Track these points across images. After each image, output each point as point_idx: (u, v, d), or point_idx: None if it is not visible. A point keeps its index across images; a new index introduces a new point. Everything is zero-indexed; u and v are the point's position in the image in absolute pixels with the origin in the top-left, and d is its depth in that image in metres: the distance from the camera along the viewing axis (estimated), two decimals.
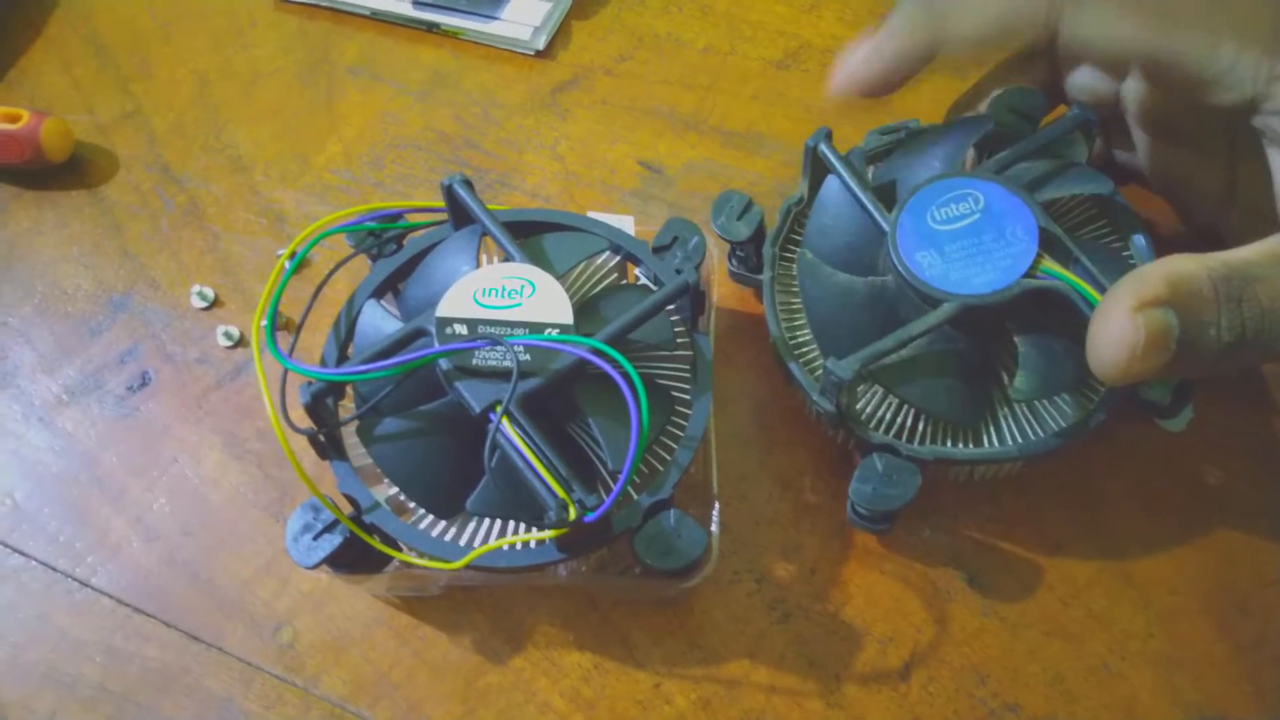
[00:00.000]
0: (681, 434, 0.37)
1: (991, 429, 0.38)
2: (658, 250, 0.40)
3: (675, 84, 0.52)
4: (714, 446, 0.39)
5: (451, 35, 0.55)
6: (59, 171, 0.51)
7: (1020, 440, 0.37)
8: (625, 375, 0.33)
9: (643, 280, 0.41)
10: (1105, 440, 0.41)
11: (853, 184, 0.39)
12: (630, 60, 0.53)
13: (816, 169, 0.40)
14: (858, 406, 0.38)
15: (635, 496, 0.36)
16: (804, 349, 0.40)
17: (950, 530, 0.40)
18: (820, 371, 0.37)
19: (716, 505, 0.38)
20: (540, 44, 0.54)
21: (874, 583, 0.40)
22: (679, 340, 0.39)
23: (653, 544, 0.35)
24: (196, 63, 0.55)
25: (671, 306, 0.38)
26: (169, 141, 0.52)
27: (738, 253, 0.43)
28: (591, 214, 0.41)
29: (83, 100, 0.54)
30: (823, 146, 0.39)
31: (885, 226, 0.37)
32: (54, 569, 0.41)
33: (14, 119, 0.49)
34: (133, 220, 0.50)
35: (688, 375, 0.39)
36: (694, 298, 0.38)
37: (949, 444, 0.38)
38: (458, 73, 0.54)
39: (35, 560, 0.41)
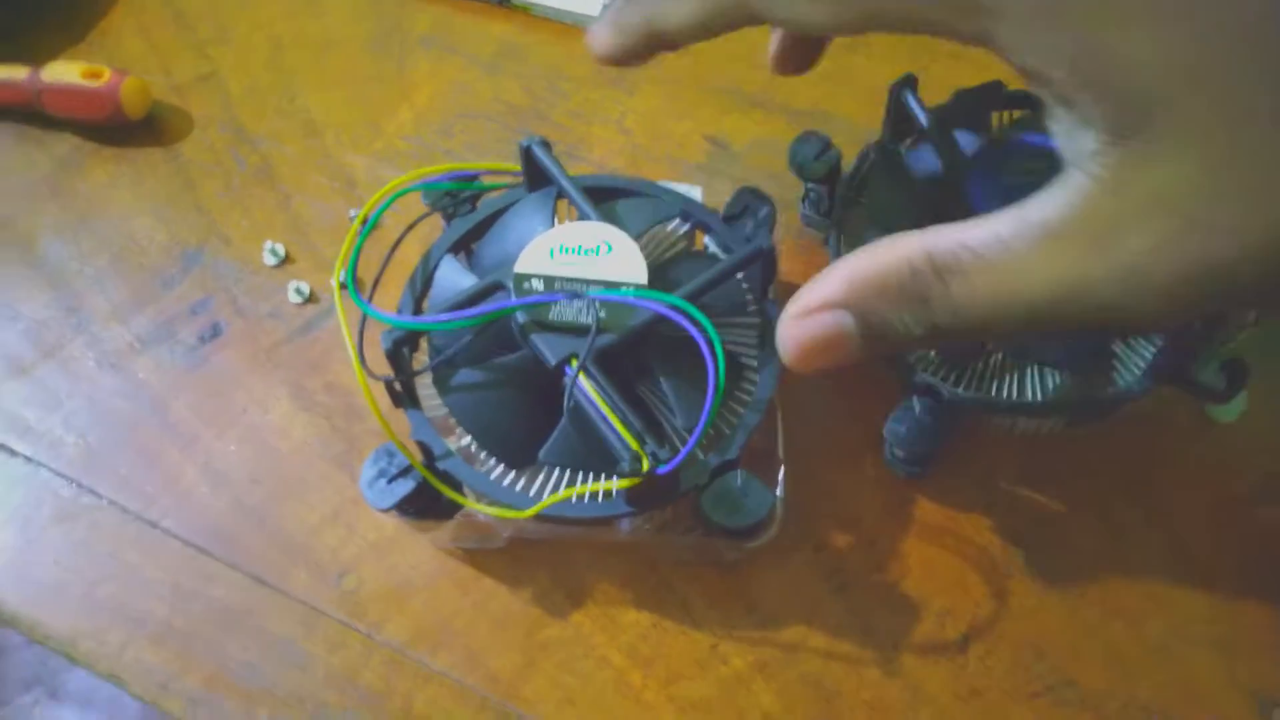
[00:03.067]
0: (749, 398, 0.37)
1: (1039, 384, 0.38)
2: (728, 219, 0.41)
3: (743, 62, 0.52)
4: (780, 412, 0.40)
5: (522, 9, 0.55)
6: (136, 129, 0.52)
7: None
8: (703, 332, 0.34)
9: (711, 249, 0.41)
10: (1167, 424, 0.41)
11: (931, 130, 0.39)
12: None
13: (898, 113, 0.41)
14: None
15: (702, 457, 0.36)
16: None
17: (1010, 508, 0.40)
18: None
19: (782, 469, 0.38)
20: None
21: (933, 556, 0.40)
22: (749, 308, 0.39)
23: (720, 502, 0.35)
24: (271, 28, 0.56)
25: (740, 274, 0.38)
26: (243, 104, 0.53)
27: (810, 195, 0.43)
28: (661, 183, 0.41)
29: (160, 62, 0.55)
30: (905, 92, 0.40)
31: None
32: (125, 509, 0.42)
33: (96, 76, 0.50)
34: (206, 178, 0.51)
35: (754, 344, 0.39)
36: (766, 265, 0.38)
37: (992, 392, 0.38)
38: (527, 46, 0.54)
39: (107, 500, 0.42)
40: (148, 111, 0.52)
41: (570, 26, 0.55)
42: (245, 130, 0.52)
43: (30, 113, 0.52)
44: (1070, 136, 0.25)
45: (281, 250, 0.48)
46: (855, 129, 0.49)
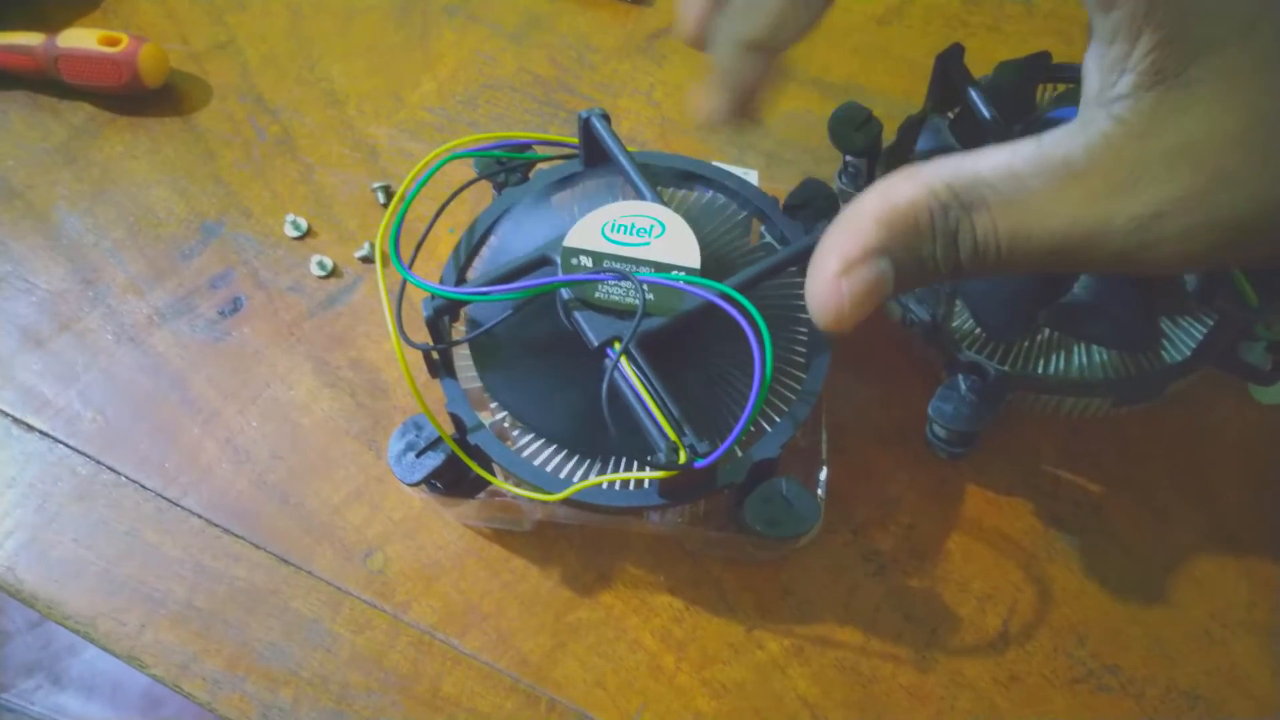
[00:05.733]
0: (793, 396, 0.36)
1: (1086, 362, 0.37)
2: (788, 210, 0.39)
3: None
4: (824, 412, 0.38)
5: None
6: (153, 98, 0.51)
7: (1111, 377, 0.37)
8: (752, 324, 0.32)
9: (767, 239, 0.40)
10: (1209, 406, 0.41)
11: (979, 101, 0.38)
12: None
13: (944, 84, 0.40)
14: (953, 324, 0.38)
15: (740, 453, 0.35)
16: None
17: (1052, 491, 0.40)
18: None
19: (825, 470, 0.37)
20: None
21: (973, 541, 0.39)
22: (801, 302, 0.38)
23: (762, 510, 0.34)
24: None
25: (794, 267, 0.37)
26: (262, 72, 0.52)
27: (848, 168, 0.42)
28: (717, 164, 0.40)
29: (176, 29, 0.53)
30: (953, 62, 0.39)
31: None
32: (144, 487, 0.41)
33: (114, 42, 0.49)
34: (225, 148, 0.49)
35: (803, 338, 0.37)
36: None
37: (1039, 370, 0.37)
38: (553, 16, 0.53)
39: (126, 478, 0.41)
40: (165, 80, 0.51)
41: None
42: (265, 100, 0.51)
43: (45, 80, 0.50)
44: (1105, 76, 0.25)
45: (303, 223, 0.47)
46: (890, 102, 0.48)
